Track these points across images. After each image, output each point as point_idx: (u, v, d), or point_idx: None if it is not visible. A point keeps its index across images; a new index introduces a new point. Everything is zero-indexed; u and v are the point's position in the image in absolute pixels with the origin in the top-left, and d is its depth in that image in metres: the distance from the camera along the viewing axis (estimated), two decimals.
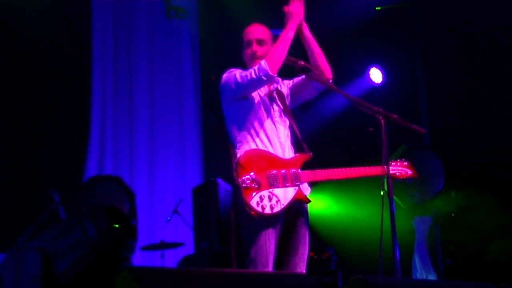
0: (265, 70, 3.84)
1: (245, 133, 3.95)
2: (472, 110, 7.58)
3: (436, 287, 3.79)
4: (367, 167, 3.98)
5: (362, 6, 8.18)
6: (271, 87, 4.13)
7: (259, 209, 3.68)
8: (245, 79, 3.89)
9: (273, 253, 3.77)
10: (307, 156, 3.94)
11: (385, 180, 3.78)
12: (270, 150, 3.91)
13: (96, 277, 3.12)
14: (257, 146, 3.91)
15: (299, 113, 7.38)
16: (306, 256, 3.92)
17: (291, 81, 4.24)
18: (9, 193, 6.96)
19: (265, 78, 3.86)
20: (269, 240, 3.75)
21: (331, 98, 7.66)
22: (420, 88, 8.15)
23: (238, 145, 3.95)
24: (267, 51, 4.02)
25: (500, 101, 7.46)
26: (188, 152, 8.62)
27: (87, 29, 8.13)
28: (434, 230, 7.44)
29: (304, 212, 3.98)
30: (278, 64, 3.89)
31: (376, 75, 8.26)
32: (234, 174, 3.77)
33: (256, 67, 3.88)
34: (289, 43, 3.95)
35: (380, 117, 3.85)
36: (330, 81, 4.12)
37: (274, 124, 4.00)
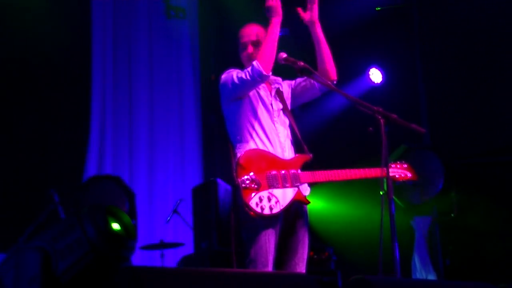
0: (258, 70, 3.85)
1: (245, 133, 3.96)
2: (472, 110, 7.58)
3: (436, 287, 3.79)
4: (366, 169, 3.98)
5: (362, 6, 8.18)
6: (271, 87, 4.14)
7: (258, 209, 3.69)
8: (240, 80, 3.91)
9: (273, 253, 3.77)
10: (307, 157, 3.94)
11: (385, 180, 3.78)
12: (270, 150, 3.91)
13: (95, 277, 3.12)
14: (257, 146, 3.91)
15: (299, 113, 7.38)
16: (305, 256, 3.93)
17: (294, 81, 4.25)
18: (9, 193, 6.95)
19: (259, 78, 3.87)
20: (269, 240, 3.76)
21: (331, 98, 7.66)
22: (420, 88, 8.15)
23: (238, 145, 3.96)
24: None
25: (500, 101, 7.46)
26: (188, 152, 8.61)
27: (87, 29, 8.13)
28: (434, 230, 7.44)
29: (304, 212, 3.99)
30: (271, 62, 3.90)
31: (376, 75, 8.26)
32: (234, 174, 3.77)
33: (249, 68, 3.89)
34: (276, 39, 3.95)
35: (380, 117, 3.85)
36: (335, 82, 4.13)
37: (274, 124, 4.00)
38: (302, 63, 4.03)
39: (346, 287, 2.94)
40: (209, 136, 8.78)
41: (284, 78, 4.29)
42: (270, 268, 3.74)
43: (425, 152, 7.45)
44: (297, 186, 3.84)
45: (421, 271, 7.16)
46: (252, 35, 4.10)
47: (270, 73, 3.92)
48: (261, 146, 3.91)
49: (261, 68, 3.85)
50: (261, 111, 4.00)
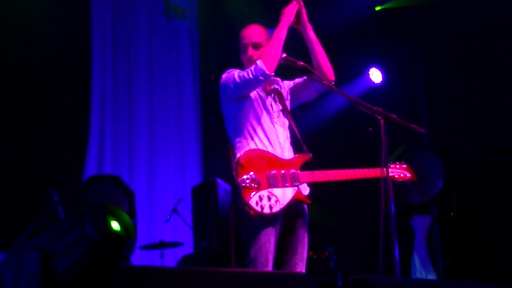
0: (262, 69, 3.84)
1: (245, 133, 3.96)
2: (471, 110, 7.58)
3: (435, 286, 3.79)
4: (366, 169, 3.98)
5: (362, 6, 8.18)
6: (270, 87, 4.13)
7: (258, 208, 3.69)
8: (243, 79, 3.90)
9: (272, 252, 3.77)
10: (307, 157, 3.94)
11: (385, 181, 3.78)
12: (270, 150, 3.91)
13: (95, 277, 3.12)
14: (256, 146, 3.91)
15: (299, 113, 7.38)
16: (305, 256, 3.93)
17: (292, 81, 4.24)
18: (9, 193, 6.95)
19: (262, 78, 3.86)
20: (269, 240, 3.76)
21: (331, 98, 7.66)
22: (420, 88, 8.15)
23: (237, 145, 3.96)
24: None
25: (499, 100, 7.46)
26: (188, 151, 8.61)
27: (87, 28, 8.12)
28: (434, 230, 7.43)
29: (304, 212, 3.99)
30: (274, 63, 3.89)
31: (375, 75, 8.26)
32: (234, 173, 3.77)
33: (253, 67, 3.88)
34: (282, 41, 3.95)
35: (380, 117, 3.86)
36: (332, 83, 4.12)
37: (273, 125, 4.00)
38: (302, 63, 4.03)
39: (346, 286, 2.94)
40: (208, 136, 8.78)
41: (283, 79, 4.29)
42: (270, 267, 3.74)
43: (424, 152, 7.44)
44: (297, 186, 3.84)
45: (421, 271, 7.15)
46: (253, 37, 4.08)
47: (273, 73, 3.91)
48: (260, 146, 3.91)
49: (264, 68, 3.84)
50: (261, 112, 3.99)
